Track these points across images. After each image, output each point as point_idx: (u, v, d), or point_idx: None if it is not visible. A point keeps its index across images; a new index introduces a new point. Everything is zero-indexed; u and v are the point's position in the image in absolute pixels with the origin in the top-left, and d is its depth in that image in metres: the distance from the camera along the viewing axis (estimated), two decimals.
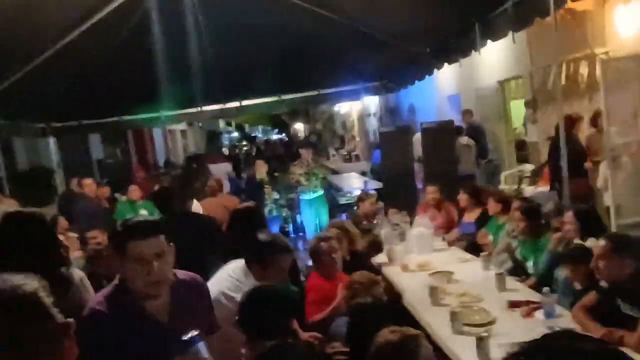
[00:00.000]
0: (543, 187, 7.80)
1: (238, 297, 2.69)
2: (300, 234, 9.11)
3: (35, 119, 8.75)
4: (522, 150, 11.05)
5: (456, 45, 6.66)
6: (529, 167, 9.40)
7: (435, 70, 7.75)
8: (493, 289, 3.96)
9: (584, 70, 7.55)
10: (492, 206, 5.52)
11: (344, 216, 8.81)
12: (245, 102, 9.78)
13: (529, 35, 8.53)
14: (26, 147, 11.79)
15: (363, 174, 13.71)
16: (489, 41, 5.84)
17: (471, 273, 4.50)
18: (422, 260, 4.92)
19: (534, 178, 8.76)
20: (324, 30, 7.22)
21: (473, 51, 6.33)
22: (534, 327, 3.22)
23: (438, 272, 4.45)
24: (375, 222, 6.07)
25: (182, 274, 2.32)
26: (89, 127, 9.68)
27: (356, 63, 8.82)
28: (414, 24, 6.71)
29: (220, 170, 10.33)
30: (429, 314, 3.70)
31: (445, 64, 7.31)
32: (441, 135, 8.11)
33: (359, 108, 22.89)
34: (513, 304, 3.55)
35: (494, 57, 9.99)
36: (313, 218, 8.12)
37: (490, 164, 9.92)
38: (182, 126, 23.31)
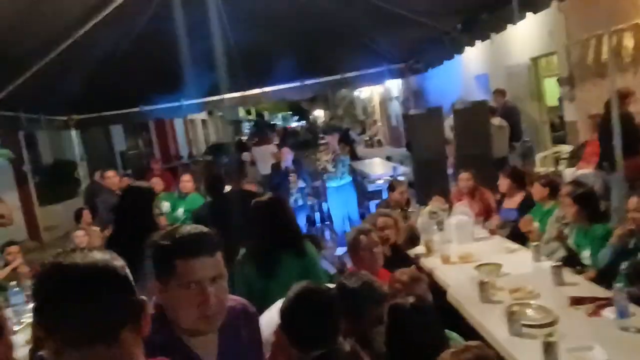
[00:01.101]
0: (585, 169, 7.37)
1: None
2: (327, 222, 8.80)
3: (57, 111, 8.57)
4: (556, 130, 10.62)
5: (490, 19, 6.24)
6: (566, 148, 8.97)
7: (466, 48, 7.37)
8: (549, 283, 3.60)
9: (628, 42, 7.09)
10: (538, 191, 5.14)
11: (371, 204, 8.50)
12: (267, 89, 9.49)
13: (564, 9, 8.08)
14: (50, 140, 11.69)
15: (388, 159, 13.36)
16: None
17: (520, 265, 4.14)
18: (463, 251, 4.57)
19: (573, 159, 8.34)
20: (346, 11, 6.90)
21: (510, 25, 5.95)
22: (604, 328, 2.89)
23: (484, 265, 4.10)
24: (410, 210, 5.73)
25: (230, 300, 1.81)
26: (110, 118, 9.48)
27: (380, 44, 8.46)
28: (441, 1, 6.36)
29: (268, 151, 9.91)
30: (479, 312, 3.37)
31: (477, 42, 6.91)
32: (474, 116, 7.69)
33: (380, 92, 22.50)
34: (576, 301, 3.19)
35: (525, 33, 9.54)
36: (341, 206, 7.80)
37: (523, 146, 9.50)
38: (202, 116, 23.14)
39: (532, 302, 3.30)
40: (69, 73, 6.83)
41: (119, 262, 1.19)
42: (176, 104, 9.27)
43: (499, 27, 6.34)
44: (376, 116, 23.32)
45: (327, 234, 8.54)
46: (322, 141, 7.99)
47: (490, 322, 3.17)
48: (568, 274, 3.69)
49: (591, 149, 7.59)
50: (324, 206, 8.78)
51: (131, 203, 3.82)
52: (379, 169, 9.84)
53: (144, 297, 1.21)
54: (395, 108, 20.23)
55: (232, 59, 7.50)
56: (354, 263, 3.79)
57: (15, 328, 4.43)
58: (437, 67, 9.30)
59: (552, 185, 5.18)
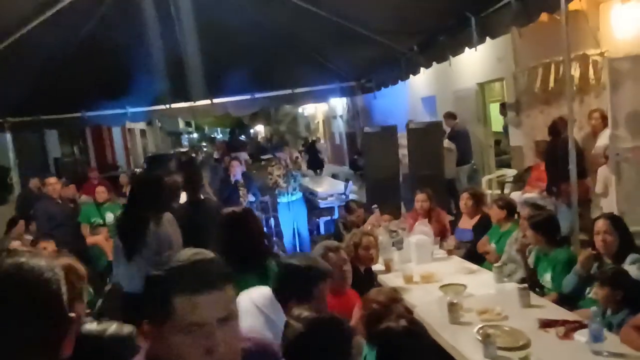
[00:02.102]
0: (529, 193, 7.52)
1: (269, 335, 2.18)
2: (275, 238, 8.64)
3: None
4: (499, 154, 10.88)
5: (449, 42, 6.30)
6: (511, 172, 9.16)
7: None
8: (515, 304, 3.58)
9: (575, 72, 7.32)
10: (496, 212, 5.18)
11: (321, 221, 8.42)
12: (216, 101, 9.29)
13: (513, 36, 8.29)
14: None
15: (333, 176, 13.34)
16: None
17: (483, 286, 4.12)
18: (424, 271, 4.52)
19: (518, 183, 8.52)
20: (303, 25, 6.86)
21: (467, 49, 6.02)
22: (577, 351, 2.87)
23: (448, 285, 4.06)
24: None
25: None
26: (49, 122, 9.00)
27: (334, 61, 8.46)
28: (401, 20, 6.36)
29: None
30: (449, 333, 3.30)
31: None
32: (428, 136, 7.75)
33: (324, 110, 22.57)
34: (546, 324, 3.17)
35: (474, 58, 9.70)
36: (290, 222, 7.67)
37: (469, 168, 9.66)
38: (141, 125, 22.56)
39: (501, 324, 3.27)
40: (6, 74, 6.44)
41: (52, 274, 1.09)
42: (121, 111, 8.93)
43: (457, 50, 6.38)
44: (319, 134, 23.36)
45: (275, 249, 8.38)
46: (266, 156, 7.83)
47: (463, 345, 3.11)
48: (534, 297, 3.68)
49: (536, 174, 7.78)
50: (271, 221, 8.63)
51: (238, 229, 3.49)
52: (327, 186, 9.77)
53: (72, 314, 1.13)
54: (339, 126, 20.32)
55: (181, 69, 7.30)
56: None
57: None
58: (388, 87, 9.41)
59: (509, 207, 5.23)
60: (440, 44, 6.42)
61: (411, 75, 8.28)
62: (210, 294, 1.25)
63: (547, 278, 4.09)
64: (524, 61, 8.53)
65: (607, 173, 6.01)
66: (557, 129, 6.64)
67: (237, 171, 7.50)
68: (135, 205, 4.16)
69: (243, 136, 36.12)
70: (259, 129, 36.24)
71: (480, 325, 3.24)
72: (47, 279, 1.08)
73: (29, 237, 6.59)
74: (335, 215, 7.91)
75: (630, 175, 5.78)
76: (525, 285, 3.67)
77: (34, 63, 6.63)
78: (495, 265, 4.27)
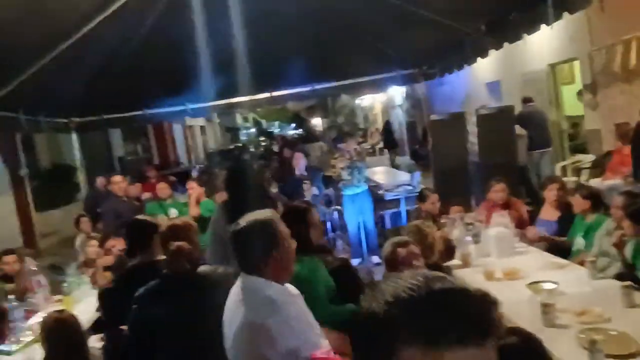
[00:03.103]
0: (611, 179, 7.01)
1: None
2: (338, 232, 8.42)
3: (56, 113, 8.15)
4: (572, 139, 10.30)
5: (521, 20, 5.89)
6: (587, 158, 8.62)
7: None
8: (616, 304, 3.23)
9: None
10: (579, 203, 4.77)
11: (386, 213, 8.12)
12: (276, 93, 9.14)
13: (587, 13, 7.77)
14: (47, 143, 11.29)
15: (395, 167, 13.01)
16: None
17: (575, 283, 3.76)
18: (507, 266, 4.19)
19: (596, 169, 8.00)
20: (361, 11, 6.57)
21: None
22: None
23: (538, 283, 3.72)
24: (442, 220, 5.35)
25: None
26: (113, 121, 9.03)
27: (394, 48, 8.12)
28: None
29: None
30: (545, 338, 2.96)
31: None
32: (499, 122, 7.34)
33: (383, 99, 22.18)
34: None
35: (543, 39, 9.21)
36: (356, 215, 7.41)
37: (541, 154, 9.15)
38: (201, 122, 22.76)
39: (604, 327, 2.93)
40: (70, 73, 6.44)
41: None
42: (181, 107, 8.90)
43: (532, 28, 5.97)
44: (378, 124, 22.98)
45: (339, 243, 8.16)
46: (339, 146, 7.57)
47: (561, 351, 2.78)
48: (637, 294, 3.31)
49: (618, 158, 7.27)
50: (335, 215, 8.39)
51: None
52: (391, 177, 9.46)
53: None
54: (398, 116, 19.90)
55: (240, 62, 7.16)
56: None
57: (13, 348, 4.03)
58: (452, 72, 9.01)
59: (594, 196, 4.83)
60: (511, 22, 6.02)
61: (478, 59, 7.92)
62: (473, 349, 0.80)
63: None
64: (601, 39, 7.97)
65: None
66: None
67: (301, 164, 7.30)
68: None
69: (301, 129, 36.08)
70: (316, 122, 36.08)
71: (581, 329, 2.92)
72: None
73: (96, 235, 6.63)
74: (401, 207, 7.60)
75: None
76: (630, 282, 3.30)
77: (95, 62, 6.61)
78: (589, 259, 3.90)
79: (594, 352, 2.57)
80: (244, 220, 2.40)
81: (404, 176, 9.08)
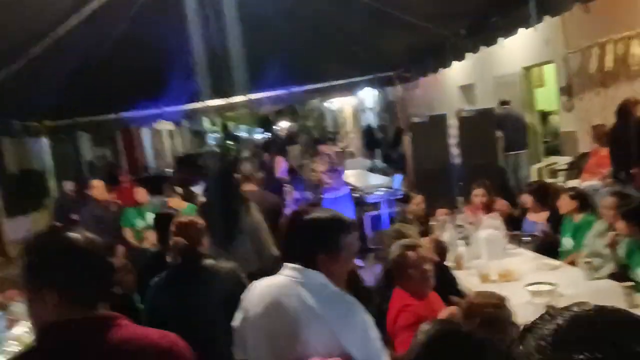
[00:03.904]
0: (589, 181, 7.09)
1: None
2: None
3: (28, 117, 7.87)
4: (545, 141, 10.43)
5: (501, 23, 5.92)
6: (563, 159, 8.72)
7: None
8: (616, 305, 3.22)
9: (635, 50, 6.88)
10: (566, 204, 4.81)
11: (366, 216, 8.08)
12: (253, 96, 9.02)
13: (563, 16, 7.87)
14: (15, 148, 10.96)
15: (371, 170, 12.99)
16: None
17: (571, 284, 3.77)
18: (500, 268, 4.18)
19: (573, 171, 8.09)
20: (340, 14, 6.53)
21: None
22: None
23: (535, 284, 3.70)
24: (432, 224, 5.33)
25: None
26: (85, 125, 8.78)
27: (372, 50, 8.10)
28: (448, 1, 6.02)
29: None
30: None
31: None
32: (480, 124, 7.37)
33: (353, 103, 22.20)
34: None
35: (518, 42, 9.31)
36: None
37: (516, 157, 9.23)
38: (169, 126, 22.42)
39: None
40: (43, 76, 6.24)
41: None
42: (156, 110, 8.72)
43: (510, 32, 6.01)
44: (348, 127, 22.99)
45: None
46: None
47: None
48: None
49: (595, 160, 7.36)
50: None
51: None
52: (365, 179, 9.43)
53: None
54: (369, 119, 19.94)
55: (217, 65, 7.06)
56: (402, 285, 3.33)
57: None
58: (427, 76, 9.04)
59: (582, 197, 4.87)
60: (491, 26, 6.05)
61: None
62: None
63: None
64: (577, 42, 8.08)
65: None
66: (628, 109, 6.20)
67: (281, 167, 7.20)
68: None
69: (268, 133, 35.87)
70: (284, 125, 35.93)
71: None
72: None
73: None
74: (382, 210, 7.57)
75: None
76: (631, 283, 3.31)
77: (68, 65, 6.42)
78: (585, 260, 3.91)
79: None
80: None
81: (378, 179, 9.06)
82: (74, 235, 1.52)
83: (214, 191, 4.64)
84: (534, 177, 8.75)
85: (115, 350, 1.47)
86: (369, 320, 2.13)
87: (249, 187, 5.80)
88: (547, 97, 10.11)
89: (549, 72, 9.76)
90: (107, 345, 1.47)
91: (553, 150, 9.75)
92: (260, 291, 2.21)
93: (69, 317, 1.46)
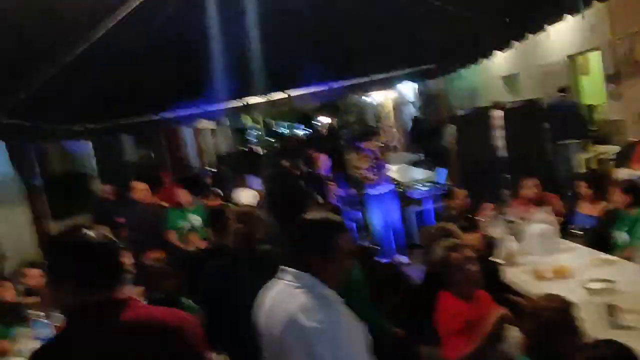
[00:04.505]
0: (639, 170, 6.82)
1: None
2: (364, 233, 8.24)
3: (69, 121, 8.01)
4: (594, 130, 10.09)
5: (548, 9, 5.72)
6: (611, 148, 8.43)
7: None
8: None
9: None
10: (620, 198, 4.62)
11: (411, 211, 7.96)
12: (293, 93, 9.00)
13: (609, 2, 7.59)
14: (59, 151, 11.17)
15: (415, 165, 12.80)
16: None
17: (629, 279, 3.60)
18: (554, 265, 4.04)
19: (622, 160, 7.80)
20: (378, 5, 6.43)
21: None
22: None
23: (594, 282, 3.55)
24: (481, 220, 5.19)
25: None
26: (126, 127, 8.90)
27: (411, 42, 7.96)
28: None
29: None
30: None
31: None
32: (528, 116, 7.17)
33: (393, 97, 21.98)
34: None
35: (563, 30, 9.04)
36: (382, 215, 7.25)
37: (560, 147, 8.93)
38: (211, 125, 22.61)
39: None
40: (83, 79, 6.33)
41: None
42: (196, 110, 8.77)
43: (556, 18, 5.83)
44: (390, 122, 22.76)
45: (366, 244, 8.00)
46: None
47: None
48: None
49: None
50: (359, 216, 8.22)
51: None
52: (413, 174, 9.27)
53: None
54: (411, 113, 19.70)
55: (255, 62, 7.04)
56: (448, 288, 3.26)
57: None
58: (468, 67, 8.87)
59: (636, 190, 4.67)
60: (538, 12, 5.87)
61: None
62: None
63: None
64: (623, 27, 7.80)
65: None
66: None
67: (325, 165, 7.14)
68: None
69: (309, 129, 35.87)
70: (325, 121, 35.87)
71: None
72: None
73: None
74: (430, 205, 7.45)
75: None
76: None
77: (109, 67, 6.49)
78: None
79: None
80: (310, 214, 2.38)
81: (422, 173, 8.90)
82: (83, 231, 1.78)
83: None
84: (582, 168, 8.50)
85: (130, 328, 1.70)
86: (351, 328, 2.17)
87: None
88: (592, 85, 9.79)
89: (595, 60, 9.45)
90: (122, 323, 1.70)
91: (601, 140, 9.43)
92: (263, 300, 2.31)
93: (85, 301, 1.71)
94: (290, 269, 2.25)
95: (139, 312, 1.76)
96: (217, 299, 3.42)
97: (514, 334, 3.07)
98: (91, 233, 1.78)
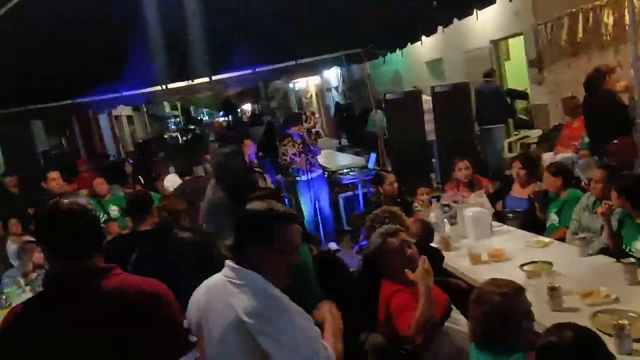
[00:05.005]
0: (563, 153, 7.00)
1: None
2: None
3: None
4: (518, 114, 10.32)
5: None
6: (534, 132, 8.63)
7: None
8: (617, 282, 3.08)
9: (608, 19, 6.77)
10: (550, 181, 4.66)
11: (340, 198, 7.87)
12: (215, 77, 8.66)
13: None
14: None
15: (339, 150, 12.76)
16: None
17: (566, 261, 3.60)
18: (490, 248, 4.00)
19: (545, 144, 8.00)
20: None
21: None
22: None
23: (532, 264, 3.53)
24: (416, 204, 5.12)
25: None
26: (37, 112, 8.27)
27: (338, 26, 7.81)
28: None
29: None
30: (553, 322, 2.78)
31: None
32: (456, 99, 7.18)
33: (317, 83, 21.91)
34: None
35: (486, 16, 9.15)
36: (311, 201, 7.11)
37: (486, 131, 9.09)
38: (128, 112, 21.78)
39: (616, 308, 2.77)
40: None
41: None
42: (114, 95, 8.28)
43: (486, 2, 5.87)
44: (313, 108, 22.69)
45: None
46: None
47: None
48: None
49: (567, 132, 7.28)
50: (286, 202, 8.04)
51: None
52: (340, 160, 9.18)
53: None
54: (334, 99, 19.69)
55: (178, 46, 6.72)
56: (389, 275, 3.14)
57: None
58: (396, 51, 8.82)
59: (564, 173, 4.73)
60: None
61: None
62: None
63: (638, 246, 3.55)
64: (546, 12, 7.95)
65: None
66: (595, 81, 6.05)
67: (251, 151, 6.90)
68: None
69: (229, 116, 35.33)
70: (247, 108, 35.46)
71: (593, 312, 2.75)
72: None
73: (29, 239, 6.00)
74: (359, 190, 7.37)
75: None
76: (632, 259, 3.16)
77: (19, 48, 5.99)
78: (579, 236, 3.76)
79: (621, 337, 2.38)
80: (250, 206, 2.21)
81: (349, 158, 8.83)
82: (63, 202, 1.88)
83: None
84: (506, 151, 8.66)
85: (108, 295, 1.78)
86: (305, 327, 2.03)
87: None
88: (516, 70, 10.00)
89: (518, 46, 9.63)
90: (101, 290, 1.78)
91: (524, 124, 9.65)
92: (199, 296, 2.16)
93: (64, 269, 1.81)
94: (232, 265, 2.09)
95: (118, 280, 1.82)
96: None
97: (459, 319, 3.00)
98: (70, 203, 1.86)
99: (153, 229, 3.85)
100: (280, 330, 1.94)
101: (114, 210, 6.63)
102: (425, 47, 11.55)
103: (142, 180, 9.54)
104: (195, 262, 3.27)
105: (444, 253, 4.07)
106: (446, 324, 3.01)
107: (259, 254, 2.06)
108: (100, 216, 6.46)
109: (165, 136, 23.86)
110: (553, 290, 2.91)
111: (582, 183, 5.32)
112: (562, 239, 4.26)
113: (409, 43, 8.25)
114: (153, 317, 1.79)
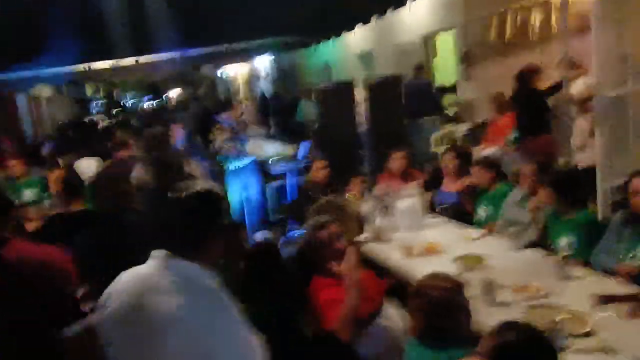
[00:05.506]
0: (490, 148, 7.15)
1: None
2: None
3: None
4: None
5: None
6: (461, 127, 8.78)
7: None
8: (548, 277, 3.12)
9: (534, 19, 6.95)
10: (481, 175, 4.71)
11: (268, 187, 7.72)
12: (142, 59, 8.35)
13: None
14: None
15: (272, 138, 12.55)
16: None
17: (498, 255, 3.63)
18: (423, 241, 4.00)
19: (474, 139, 8.15)
20: None
21: None
22: None
23: (465, 257, 3.54)
24: (348, 195, 5.06)
25: None
26: None
27: (272, 13, 7.70)
28: None
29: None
30: (490, 319, 2.78)
31: None
32: (389, 91, 7.19)
33: (245, 71, 21.60)
34: (607, 299, 2.72)
35: (417, 10, 9.25)
36: (240, 190, 6.94)
37: (415, 124, 9.17)
38: (47, 93, 20.75)
39: (547, 303, 2.81)
40: None
41: None
42: (35, 73, 7.84)
43: None
44: (241, 96, 22.37)
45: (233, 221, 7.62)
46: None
47: None
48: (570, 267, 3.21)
49: (494, 128, 7.45)
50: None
51: None
52: (267, 149, 9.02)
53: None
54: (263, 87, 19.45)
55: (103, 24, 6.42)
56: (319, 269, 3.08)
57: None
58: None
59: (495, 167, 4.80)
60: None
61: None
62: None
63: (562, 242, 3.62)
64: (477, 9, 8.08)
65: (585, 125, 5.64)
66: (526, 77, 6.21)
67: (177, 136, 6.66)
68: None
69: (154, 102, 34.34)
70: (174, 93, 34.58)
71: (525, 307, 2.77)
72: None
73: None
74: (288, 180, 7.25)
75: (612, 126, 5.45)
76: (564, 254, 3.21)
77: None
78: (512, 229, 3.80)
79: (554, 333, 2.40)
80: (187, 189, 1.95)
81: (276, 147, 8.68)
82: None
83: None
84: (433, 146, 8.77)
85: (9, 264, 1.88)
86: (238, 320, 1.90)
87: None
88: (445, 65, 10.15)
89: (448, 41, 9.76)
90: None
91: (451, 119, 9.81)
92: (123, 285, 1.91)
93: None
94: (160, 253, 1.90)
95: (20, 249, 1.94)
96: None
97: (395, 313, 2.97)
98: None
99: (110, 208, 3.54)
100: (208, 320, 1.81)
101: (27, 195, 6.23)
102: (357, 39, 11.61)
103: (61, 164, 9.08)
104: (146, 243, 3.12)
105: (376, 244, 4.04)
106: (378, 319, 2.98)
107: (193, 243, 1.91)
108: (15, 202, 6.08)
109: (85, 120, 22.91)
110: (487, 285, 2.91)
111: (508, 177, 5.43)
112: (491, 233, 4.31)
113: (344, 32, 8.22)
114: (46, 285, 1.92)
